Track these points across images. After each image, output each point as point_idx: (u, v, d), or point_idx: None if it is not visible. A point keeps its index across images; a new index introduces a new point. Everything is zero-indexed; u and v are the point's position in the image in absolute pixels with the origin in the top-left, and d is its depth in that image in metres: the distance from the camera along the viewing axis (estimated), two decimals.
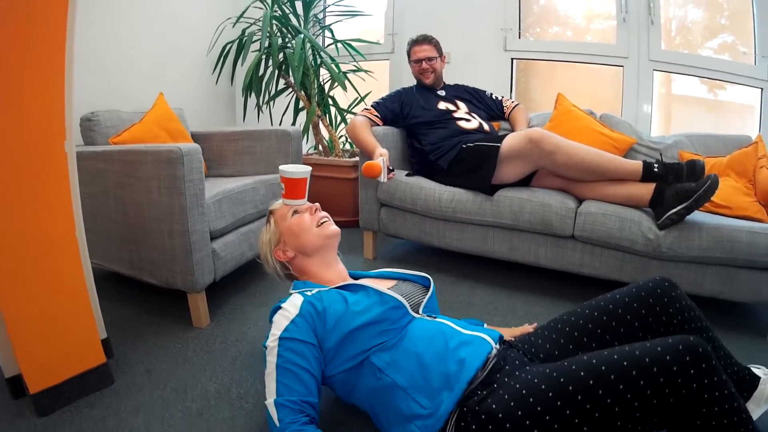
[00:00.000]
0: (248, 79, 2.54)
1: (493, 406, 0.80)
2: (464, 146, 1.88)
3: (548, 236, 1.74)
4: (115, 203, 1.50)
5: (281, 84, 2.76)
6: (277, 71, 2.62)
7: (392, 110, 2.13)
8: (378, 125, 2.09)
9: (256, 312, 1.63)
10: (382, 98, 2.19)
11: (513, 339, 1.05)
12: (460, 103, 2.14)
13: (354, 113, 2.82)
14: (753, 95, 2.34)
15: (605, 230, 1.60)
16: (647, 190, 1.57)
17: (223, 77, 2.75)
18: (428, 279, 1.17)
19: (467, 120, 2.04)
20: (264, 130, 2.06)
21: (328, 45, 2.85)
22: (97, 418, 1.09)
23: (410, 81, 2.31)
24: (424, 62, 2.16)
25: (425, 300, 1.10)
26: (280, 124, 2.71)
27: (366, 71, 2.82)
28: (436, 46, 2.20)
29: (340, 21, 2.90)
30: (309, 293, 1.01)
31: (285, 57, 2.56)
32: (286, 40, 2.68)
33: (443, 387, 0.87)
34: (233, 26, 2.69)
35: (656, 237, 1.52)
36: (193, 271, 1.43)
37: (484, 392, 0.84)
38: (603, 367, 0.76)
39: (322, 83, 2.76)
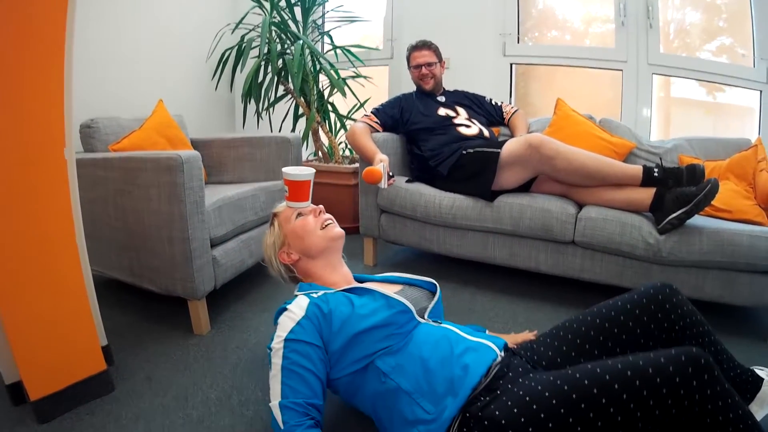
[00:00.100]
0: (247, 85, 2.54)
1: (496, 413, 0.80)
2: (464, 152, 1.88)
3: (549, 242, 1.74)
4: (115, 210, 1.50)
5: (281, 90, 2.77)
6: (276, 77, 2.63)
7: (392, 116, 2.13)
8: (378, 131, 2.09)
9: (256, 319, 1.63)
10: (382, 104, 2.19)
11: (515, 346, 1.05)
12: (460, 109, 2.14)
13: (353, 119, 2.83)
14: (752, 97, 2.34)
15: (606, 235, 1.60)
16: (647, 194, 1.57)
17: (223, 83, 2.76)
18: (434, 284, 1.17)
19: (467, 126, 2.05)
20: (264, 136, 2.06)
21: (327, 51, 2.86)
22: (98, 425, 1.09)
23: (410, 87, 2.31)
24: (423, 68, 2.17)
25: (431, 305, 1.10)
26: (279, 131, 2.72)
27: (365, 77, 2.82)
28: (436, 51, 2.20)
29: (339, 27, 2.91)
30: (315, 295, 1.01)
31: (284, 63, 2.57)
32: (285, 46, 2.69)
33: (447, 392, 0.87)
34: (232, 32, 2.70)
35: (657, 242, 1.52)
36: (194, 278, 1.43)
37: (488, 398, 0.84)
38: (607, 376, 0.76)
39: (321, 89, 2.77)
